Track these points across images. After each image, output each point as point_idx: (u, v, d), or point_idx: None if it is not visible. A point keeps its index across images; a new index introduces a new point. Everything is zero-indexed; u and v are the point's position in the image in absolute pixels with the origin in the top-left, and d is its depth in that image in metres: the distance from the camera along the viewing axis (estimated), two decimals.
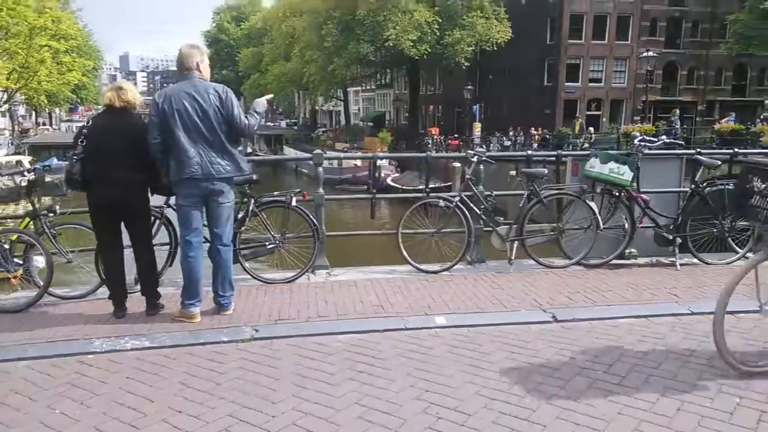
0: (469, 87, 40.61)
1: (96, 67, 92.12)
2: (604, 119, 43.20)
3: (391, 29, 35.25)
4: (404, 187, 34.97)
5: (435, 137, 41.44)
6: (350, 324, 4.49)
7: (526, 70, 42.75)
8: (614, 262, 6.20)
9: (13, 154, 40.03)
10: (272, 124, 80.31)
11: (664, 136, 6.16)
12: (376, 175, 37.99)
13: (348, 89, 60.77)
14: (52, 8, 41.85)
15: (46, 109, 76.76)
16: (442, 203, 5.98)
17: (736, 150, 7.08)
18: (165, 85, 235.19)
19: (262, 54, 62.30)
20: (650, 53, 28.13)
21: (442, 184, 34.46)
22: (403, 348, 4.06)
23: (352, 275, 5.92)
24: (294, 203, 5.65)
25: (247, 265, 5.64)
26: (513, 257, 5.99)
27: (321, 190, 5.98)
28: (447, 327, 4.44)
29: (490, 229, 6.13)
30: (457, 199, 5.94)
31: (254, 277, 5.62)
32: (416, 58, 37.61)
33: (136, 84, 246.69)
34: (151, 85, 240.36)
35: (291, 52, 49.97)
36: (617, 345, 4.06)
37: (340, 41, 38.33)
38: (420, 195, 6.17)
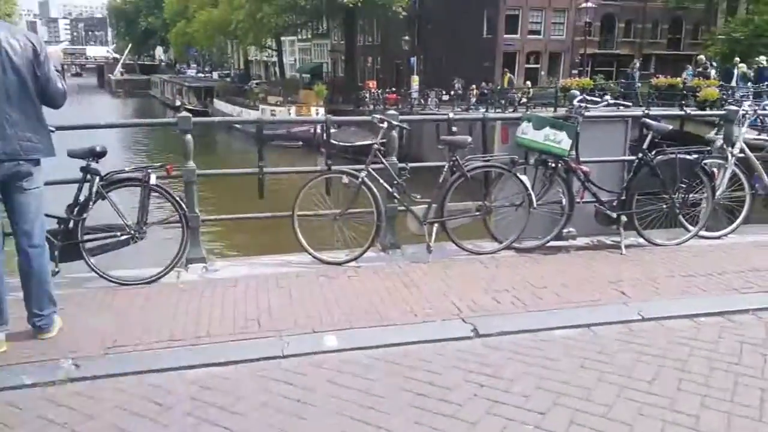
0: (407, 38, 39.14)
1: (9, 13, 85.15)
2: (542, 72, 42.66)
3: None
4: (340, 143, 33.67)
5: (372, 91, 39.99)
6: (207, 352, 3.37)
7: (466, 21, 41.45)
8: (551, 244, 5.29)
9: None
10: (203, 75, 76.44)
11: (608, 96, 5.16)
12: (312, 131, 36.52)
13: (282, 39, 57.88)
14: None
15: None
16: (345, 179, 4.87)
17: (687, 112, 6.23)
18: (89, 33, 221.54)
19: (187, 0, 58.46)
20: (589, 3, 27.39)
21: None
22: (272, 390, 3.00)
23: (235, 270, 4.78)
24: (153, 180, 4.42)
25: (92, 261, 4.41)
26: (432, 242, 4.98)
27: (191, 163, 4.74)
28: (337, 351, 3.40)
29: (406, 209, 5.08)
30: (363, 174, 4.83)
31: (102, 276, 4.41)
32: (351, 6, 35.66)
33: (58, 32, 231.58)
34: (75, 34, 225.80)
35: None
36: (551, 370, 3.12)
37: None
38: (318, 169, 5.03)
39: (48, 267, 3.58)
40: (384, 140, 5.03)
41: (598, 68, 38.81)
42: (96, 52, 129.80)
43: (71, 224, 4.36)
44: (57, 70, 3.51)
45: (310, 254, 4.91)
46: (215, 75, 74.92)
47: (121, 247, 4.48)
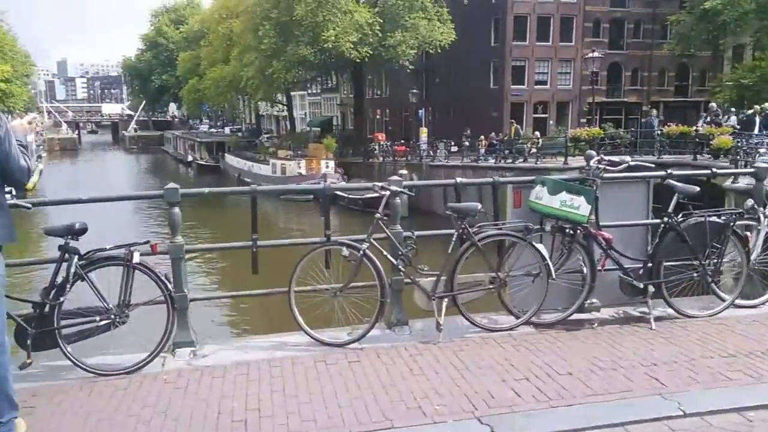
0: (414, 91, 39.48)
1: (28, 73, 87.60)
2: (551, 122, 42.67)
3: (330, 30, 33.64)
4: (350, 196, 33.54)
5: (381, 143, 40.13)
6: None
7: (472, 72, 41.86)
8: (572, 317, 4.83)
9: None
10: (215, 130, 77.53)
11: (628, 158, 4.75)
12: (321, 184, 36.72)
13: (292, 93, 58.79)
14: None
15: None
16: (345, 251, 4.48)
17: (715, 171, 5.85)
18: (105, 91, 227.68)
19: (200, 57, 59.76)
20: (595, 54, 27.47)
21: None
22: None
23: (225, 354, 4.35)
24: (136, 259, 4.06)
25: (69, 349, 4.02)
26: (442, 319, 4.54)
27: (179, 238, 4.38)
28: None
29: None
30: (364, 246, 4.45)
31: (79, 366, 4.00)
32: (358, 60, 36.12)
33: (75, 91, 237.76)
34: (91, 92, 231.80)
35: (229, 55, 47.86)
36: None
37: (277, 43, 36.48)
38: (316, 241, 4.65)
39: (8, 366, 3.19)
40: (387, 211, 4.66)
41: (607, 116, 38.76)
42: (111, 109, 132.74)
43: (47, 309, 3.99)
44: (22, 145, 3.21)
45: (308, 334, 4.49)
46: (227, 130, 76.04)
47: (101, 332, 4.09)
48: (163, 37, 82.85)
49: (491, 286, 4.69)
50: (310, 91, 66.06)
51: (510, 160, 27.44)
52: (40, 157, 64.23)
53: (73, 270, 3.99)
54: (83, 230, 4.09)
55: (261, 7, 37.30)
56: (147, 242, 4.25)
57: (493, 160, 28.97)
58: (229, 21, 47.56)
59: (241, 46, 43.19)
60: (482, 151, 31.17)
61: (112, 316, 4.06)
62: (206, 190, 4.37)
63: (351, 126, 52.82)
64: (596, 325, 4.79)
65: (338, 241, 4.53)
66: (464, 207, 4.61)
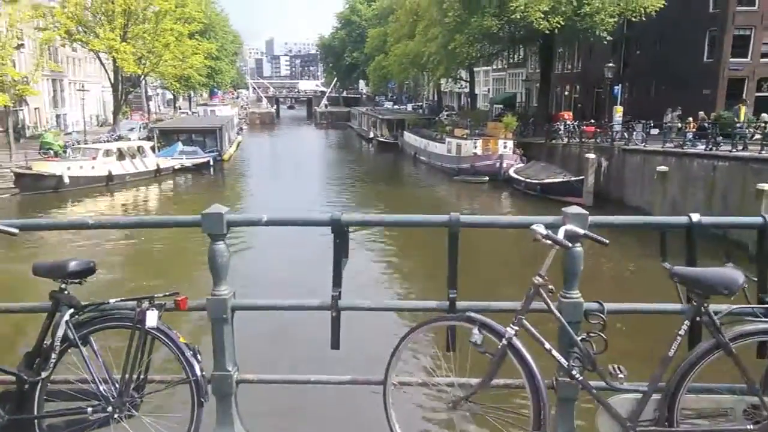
0: (611, 64, 35.08)
1: (236, 51, 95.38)
2: None
3: None
4: (527, 180, 30.80)
5: (567, 122, 36.54)
6: None
7: (682, 43, 36.23)
8: None
9: (145, 139, 40.97)
10: (398, 107, 77.91)
11: None
12: (497, 165, 34.30)
13: (476, 69, 56.51)
14: None
15: (185, 94, 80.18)
16: (475, 335, 2.63)
17: None
18: (304, 69, 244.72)
19: (387, 34, 59.84)
20: None
21: (572, 178, 29.84)
22: None
23: None
24: (152, 322, 2.64)
25: None
26: None
27: (225, 288, 2.86)
28: None
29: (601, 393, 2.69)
30: (511, 331, 2.57)
31: None
32: (548, 32, 32.83)
33: (279, 68, 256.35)
34: (293, 69, 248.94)
35: (415, 30, 46.96)
36: None
37: (462, 15, 34.51)
38: (434, 307, 2.86)
39: None
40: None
41: None
42: (306, 86, 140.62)
43: (26, 386, 2.72)
44: None
45: None
46: (409, 107, 75.99)
47: (96, 427, 2.74)
48: (356, 15, 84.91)
49: (749, 422, 2.55)
50: (494, 67, 63.21)
51: (731, 148, 22.48)
52: (241, 129, 69.54)
53: (61, 332, 2.67)
54: (88, 270, 2.75)
55: None
56: (172, 294, 2.80)
57: (703, 146, 24.29)
58: None
59: (426, 21, 41.99)
60: (689, 135, 26.44)
61: (113, 407, 2.68)
62: (264, 217, 2.80)
63: (535, 103, 49.34)
64: None
65: (469, 316, 2.68)
66: (709, 277, 2.49)
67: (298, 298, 2.99)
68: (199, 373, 2.72)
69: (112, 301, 2.76)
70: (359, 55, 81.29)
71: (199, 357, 2.76)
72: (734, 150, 21.69)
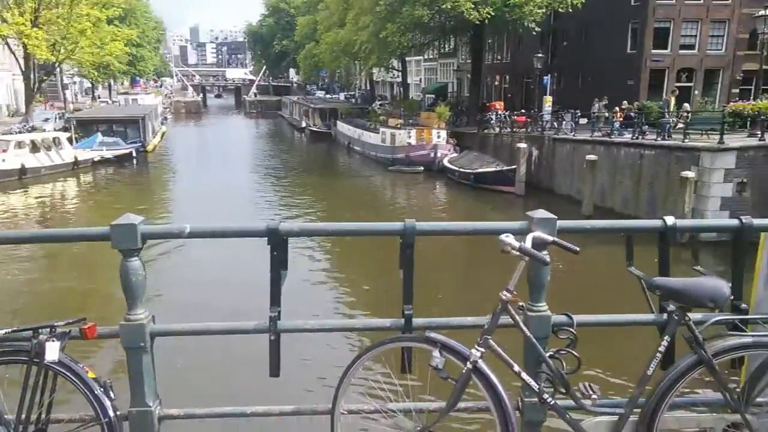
0: (540, 55, 35.75)
1: (159, 39, 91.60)
2: (696, 92, 37.33)
3: None
4: (461, 170, 30.97)
5: (499, 112, 37.03)
6: None
7: (607, 35, 37.35)
8: None
9: (61, 130, 38.59)
10: (329, 96, 77.06)
11: None
12: (432, 155, 34.34)
13: (408, 58, 56.46)
14: None
15: (105, 83, 76.38)
16: (436, 358, 2.32)
17: None
18: (231, 57, 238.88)
19: (316, 22, 58.90)
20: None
21: (504, 168, 30.21)
22: None
23: None
24: (53, 355, 2.18)
25: None
26: None
27: (141, 312, 2.44)
28: None
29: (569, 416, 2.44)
30: (477, 354, 2.28)
31: None
32: (478, 22, 33.06)
33: (206, 55, 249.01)
34: (219, 57, 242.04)
35: (346, 19, 46.35)
36: None
37: (393, 4, 34.25)
38: (388, 326, 2.53)
39: None
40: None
41: (765, 86, 33.10)
42: (234, 74, 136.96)
43: None
44: None
45: None
46: (341, 96, 75.32)
47: None
48: (284, 2, 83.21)
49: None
50: (426, 56, 63.40)
51: (655, 137, 23.21)
52: (165, 119, 66.89)
53: None
54: None
55: None
56: (79, 320, 2.34)
57: (630, 135, 25.09)
58: None
59: (357, 9, 41.50)
60: (616, 124, 27.26)
61: None
62: (187, 228, 2.39)
63: (466, 93, 49.84)
64: None
65: (429, 337, 2.36)
66: (693, 289, 2.26)
67: (230, 320, 2.59)
68: (111, 413, 2.28)
69: (2, 331, 2.28)
70: (289, 43, 79.84)
71: (111, 394, 2.32)
72: (659, 139, 22.40)
